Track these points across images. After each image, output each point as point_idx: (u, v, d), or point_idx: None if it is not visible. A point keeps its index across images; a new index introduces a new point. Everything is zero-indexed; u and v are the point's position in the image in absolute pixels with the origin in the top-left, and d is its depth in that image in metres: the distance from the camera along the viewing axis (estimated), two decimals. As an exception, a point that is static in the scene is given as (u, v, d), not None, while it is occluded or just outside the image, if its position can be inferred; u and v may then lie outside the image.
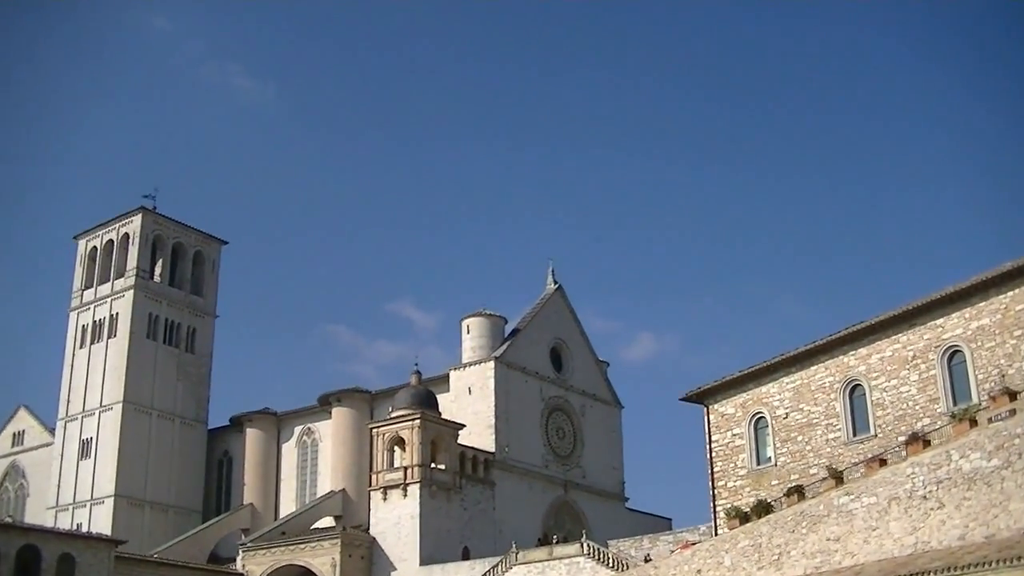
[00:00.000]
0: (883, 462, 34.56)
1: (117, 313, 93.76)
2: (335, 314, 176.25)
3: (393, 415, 74.22)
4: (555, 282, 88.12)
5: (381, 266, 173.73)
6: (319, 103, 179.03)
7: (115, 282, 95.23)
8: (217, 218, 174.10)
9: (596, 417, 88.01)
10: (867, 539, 31.80)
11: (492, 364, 79.31)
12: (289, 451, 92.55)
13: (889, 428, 39.01)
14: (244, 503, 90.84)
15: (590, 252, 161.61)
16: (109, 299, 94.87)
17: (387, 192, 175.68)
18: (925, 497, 30.35)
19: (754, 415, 45.00)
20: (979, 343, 36.79)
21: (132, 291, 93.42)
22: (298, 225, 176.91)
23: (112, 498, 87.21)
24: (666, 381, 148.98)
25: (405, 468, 71.39)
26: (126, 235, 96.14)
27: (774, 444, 43.73)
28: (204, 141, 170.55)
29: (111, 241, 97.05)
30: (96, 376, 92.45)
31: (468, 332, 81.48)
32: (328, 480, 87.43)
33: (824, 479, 37.52)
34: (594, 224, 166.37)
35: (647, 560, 55.23)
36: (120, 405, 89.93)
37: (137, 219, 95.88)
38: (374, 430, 74.51)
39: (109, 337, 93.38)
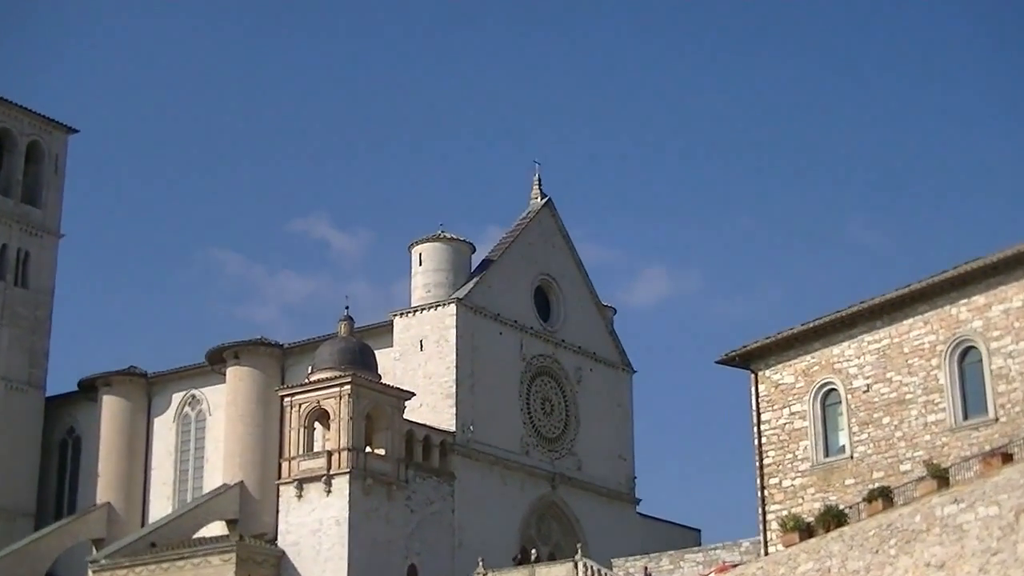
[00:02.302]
0: (1008, 457, 34.67)
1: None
2: (221, 234, 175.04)
3: (313, 378, 74.15)
4: (542, 195, 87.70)
5: (283, 167, 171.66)
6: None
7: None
8: (63, 98, 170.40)
9: (597, 385, 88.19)
10: (984, 566, 31.90)
11: (453, 308, 79.05)
12: (164, 428, 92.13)
13: (1017, 410, 39.22)
14: (98, 503, 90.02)
15: (580, 155, 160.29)
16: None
17: (291, 60, 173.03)
18: (1070, 509, 30.31)
19: (822, 386, 45.52)
20: None
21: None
22: (174, 110, 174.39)
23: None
24: (687, 336, 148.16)
25: (329, 453, 71.35)
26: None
27: (849, 428, 44.26)
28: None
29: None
30: None
31: (420, 263, 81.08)
32: (219, 470, 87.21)
33: (921, 479, 37.89)
34: (588, 118, 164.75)
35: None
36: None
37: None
38: (286, 399, 74.48)
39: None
